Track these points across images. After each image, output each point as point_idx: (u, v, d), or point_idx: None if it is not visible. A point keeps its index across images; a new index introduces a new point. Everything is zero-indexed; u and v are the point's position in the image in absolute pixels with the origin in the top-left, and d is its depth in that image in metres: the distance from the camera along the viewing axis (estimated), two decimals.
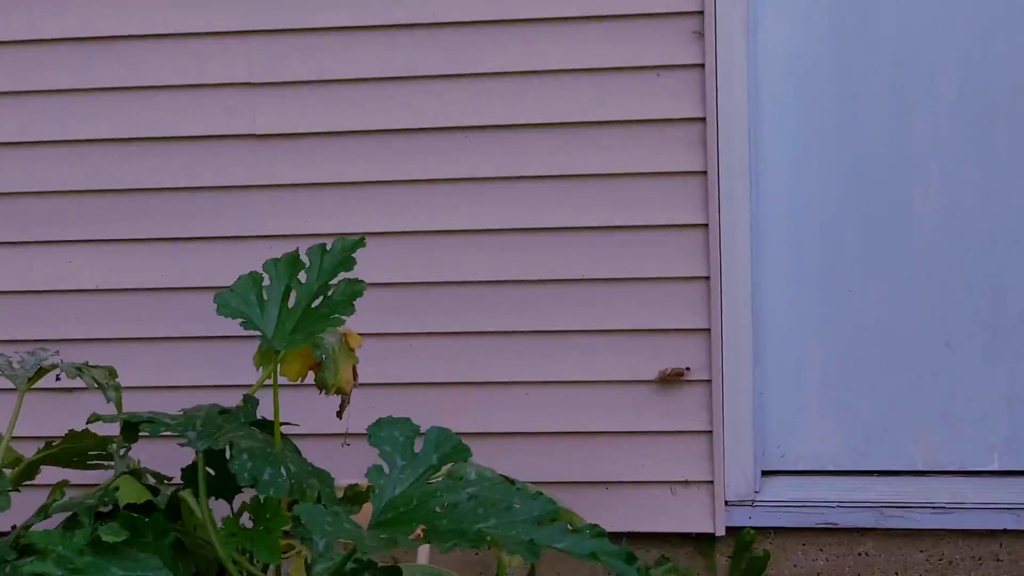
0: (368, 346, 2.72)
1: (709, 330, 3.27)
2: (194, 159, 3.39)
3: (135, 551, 2.19)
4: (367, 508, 2.37)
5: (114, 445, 2.77)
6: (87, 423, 2.67)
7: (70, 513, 2.57)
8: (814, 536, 3.33)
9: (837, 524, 3.30)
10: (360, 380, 2.73)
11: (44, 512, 2.58)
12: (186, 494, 2.42)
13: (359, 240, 2.52)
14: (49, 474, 2.83)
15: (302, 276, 2.51)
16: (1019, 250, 3.36)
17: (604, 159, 3.28)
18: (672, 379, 3.28)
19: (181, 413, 2.54)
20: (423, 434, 2.42)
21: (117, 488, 2.54)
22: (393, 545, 2.13)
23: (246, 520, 2.43)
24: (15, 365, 2.72)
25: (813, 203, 3.41)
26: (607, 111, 3.26)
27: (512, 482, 2.44)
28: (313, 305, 2.47)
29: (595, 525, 2.15)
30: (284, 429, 2.54)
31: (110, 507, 2.56)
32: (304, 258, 2.52)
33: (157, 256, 3.41)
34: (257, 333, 2.47)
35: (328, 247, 2.52)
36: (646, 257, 3.29)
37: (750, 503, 3.33)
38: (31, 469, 2.79)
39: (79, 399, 3.29)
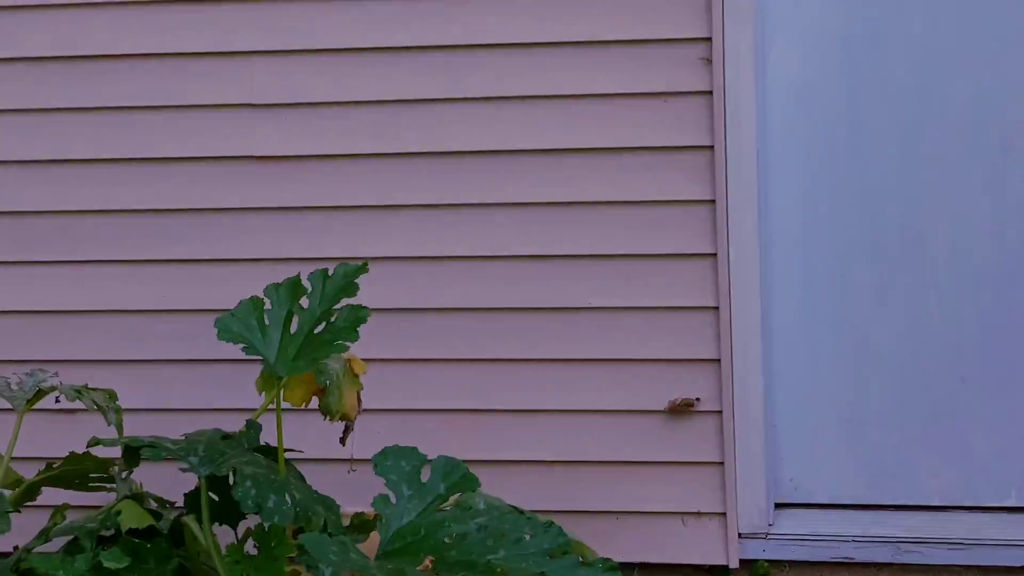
0: (373, 371, 2.68)
1: (719, 360, 3.22)
2: (195, 181, 3.35)
3: None
4: (374, 537, 2.33)
5: (116, 468, 2.74)
6: (88, 447, 2.64)
7: (71, 537, 2.53)
8: (829, 570, 3.27)
9: (853, 559, 3.24)
10: (364, 406, 2.70)
11: (45, 535, 2.54)
12: (189, 520, 2.38)
13: (362, 266, 2.49)
14: (50, 495, 2.79)
15: (304, 301, 2.48)
16: None
17: (611, 187, 3.23)
18: (682, 410, 3.24)
19: (183, 438, 2.50)
20: (431, 461, 2.38)
21: (119, 512, 2.49)
22: None
23: (250, 547, 2.39)
24: (14, 387, 2.69)
25: (823, 232, 3.37)
26: (613, 137, 3.22)
27: (521, 512, 2.40)
28: (316, 331, 2.44)
29: (607, 559, 2.13)
30: (288, 455, 2.51)
31: (112, 531, 2.52)
32: (306, 283, 2.49)
33: (158, 277, 3.37)
34: (259, 358, 2.43)
35: (330, 272, 2.49)
36: (655, 287, 3.24)
37: (763, 536, 3.27)
38: (32, 490, 2.75)
39: (80, 420, 3.24)
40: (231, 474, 2.33)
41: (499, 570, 2.10)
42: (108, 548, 2.25)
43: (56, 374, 2.79)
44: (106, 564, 2.12)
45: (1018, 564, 3.18)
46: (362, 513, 2.48)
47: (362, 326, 2.42)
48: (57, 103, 3.38)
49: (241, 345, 2.42)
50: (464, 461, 2.38)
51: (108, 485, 2.79)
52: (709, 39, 3.14)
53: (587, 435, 3.29)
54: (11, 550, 3.04)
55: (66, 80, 3.37)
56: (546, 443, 3.30)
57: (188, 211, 3.35)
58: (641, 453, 3.27)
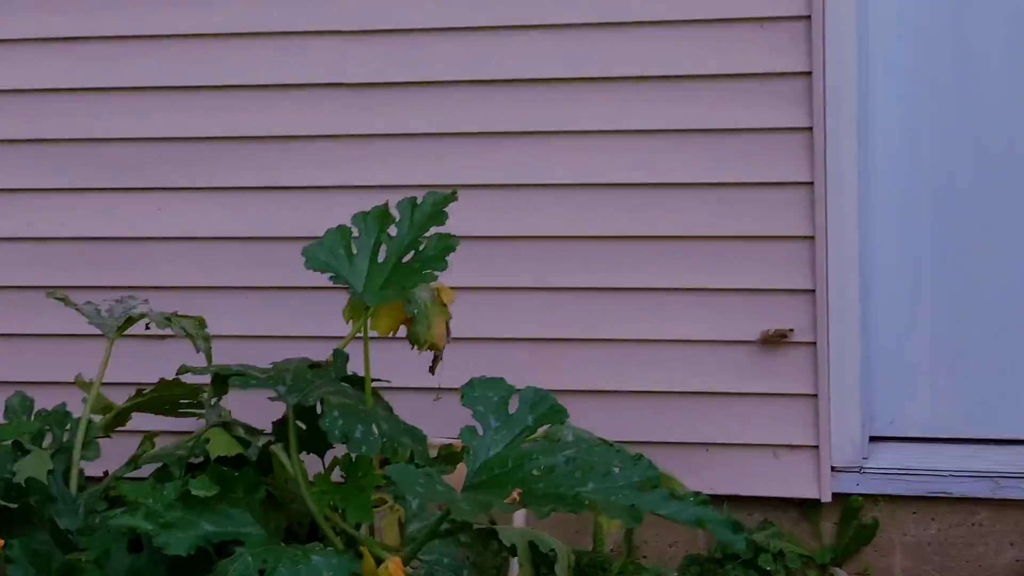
0: (460, 300, 2.64)
1: (814, 291, 3.14)
2: (284, 108, 3.32)
3: (225, 506, 2.16)
4: (461, 468, 2.31)
5: (205, 394, 2.74)
6: (177, 374, 2.64)
7: (160, 464, 2.54)
8: (925, 505, 3.21)
9: (950, 493, 3.17)
10: (452, 335, 2.66)
11: (134, 462, 2.56)
12: (277, 448, 2.37)
13: (451, 194, 2.44)
14: (140, 421, 2.81)
15: (392, 230, 2.44)
16: None
17: (707, 113, 3.16)
18: (775, 340, 3.17)
19: (271, 367, 2.49)
20: (519, 391, 2.34)
21: (208, 440, 2.50)
22: (488, 509, 2.06)
23: (337, 476, 2.38)
24: (104, 313, 2.70)
25: (925, 161, 3.26)
26: (709, 63, 3.14)
27: (610, 445, 2.36)
28: (404, 260, 2.40)
29: (698, 492, 2.07)
30: (374, 384, 2.48)
31: (201, 458, 2.53)
32: (394, 212, 2.46)
33: (246, 205, 3.36)
34: (346, 287, 2.41)
35: (419, 201, 2.45)
36: (749, 215, 3.17)
37: (857, 469, 3.21)
38: (122, 416, 2.78)
39: (169, 346, 3.26)
40: (318, 404, 2.32)
41: (588, 503, 2.06)
42: (197, 475, 2.26)
43: (146, 301, 2.80)
44: (194, 492, 2.11)
45: None
46: (449, 445, 2.45)
47: (451, 254, 2.38)
48: (136, 30, 3.36)
49: (328, 274, 2.39)
50: (551, 391, 2.34)
51: (197, 411, 2.81)
52: None
53: (677, 365, 3.24)
54: (101, 475, 3.09)
55: (148, 6, 3.35)
56: (635, 373, 3.26)
57: (277, 139, 3.33)
58: (732, 384, 3.22)
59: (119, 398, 2.81)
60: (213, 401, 2.72)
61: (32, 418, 2.60)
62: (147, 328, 2.69)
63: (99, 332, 2.69)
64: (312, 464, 2.48)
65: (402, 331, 2.56)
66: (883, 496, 3.23)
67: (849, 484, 3.21)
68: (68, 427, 2.59)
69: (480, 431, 2.24)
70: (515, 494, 2.07)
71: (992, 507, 3.17)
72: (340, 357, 2.53)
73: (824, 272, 3.12)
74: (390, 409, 2.50)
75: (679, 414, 3.24)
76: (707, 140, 3.16)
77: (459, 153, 3.26)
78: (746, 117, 3.13)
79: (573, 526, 3.30)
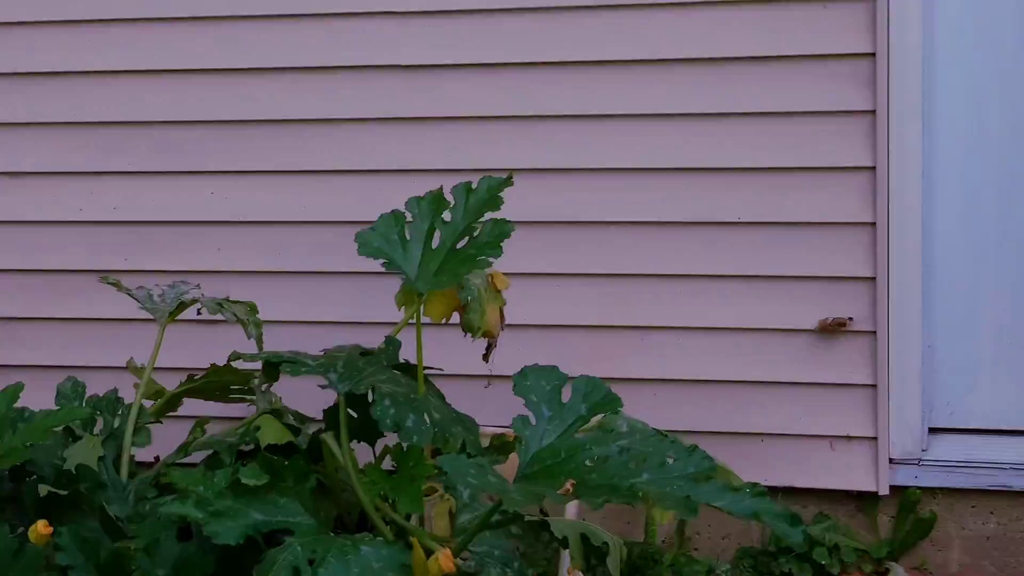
0: (513, 285, 2.60)
1: (874, 278, 3.08)
2: (338, 91, 3.29)
3: (275, 495, 2.13)
4: (513, 459, 2.27)
5: (256, 380, 2.73)
6: (229, 361, 2.63)
7: (211, 451, 2.53)
8: (984, 499, 3.14)
9: (1010, 487, 3.10)
10: (506, 321, 2.63)
11: (185, 449, 2.54)
12: (327, 437, 2.34)
13: (506, 179, 2.40)
14: (190, 405, 2.80)
15: (447, 215, 2.40)
16: None
17: (766, 96, 3.10)
18: (833, 329, 3.10)
19: (322, 354, 2.46)
20: (573, 380, 2.30)
21: (258, 427, 2.48)
22: (541, 500, 2.03)
23: (387, 464, 2.36)
24: (156, 298, 2.69)
25: (991, 144, 3.18)
26: (770, 45, 3.08)
27: (664, 435, 2.31)
28: (458, 246, 2.37)
29: (755, 484, 2.02)
30: (426, 372, 2.45)
31: (251, 446, 2.51)
32: (449, 197, 2.42)
33: (297, 188, 3.33)
34: (399, 274, 2.37)
35: (474, 186, 2.41)
36: (808, 200, 3.11)
37: (916, 462, 3.15)
38: (173, 401, 2.77)
39: (219, 330, 3.25)
40: (370, 392, 2.29)
41: (642, 494, 2.02)
42: (247, 463, 2.24)
43: (198, 286, 2.78)
44: (244, 481, 2.09)
45: None
46: (501, 435, 2.41)
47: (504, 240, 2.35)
48: (190, 11, 3.35)
49: (381, 260, 2.35)
50: (603, 379, 2.30)
51: (248, 397, 2.79)
52: None
53: (733, 354, 3.18)
54: (152, 460, 3.09)
55: None
56: (690, 362, 3.21)
57: (328, 121, 3.30)
58: (789, 373, 3.16)
59: (169, 383, 2.81)
60: (264, 387, 2.71)
61: (84, 403, 2.59)
62: (198, 313, 2.68)
63: (151, 317, 2.68)
64: (362, 451, 2.45)
65: (454, 317, 2.53)
66: (941, 489, 3.16)
67: (907, 477, 3.15)
68: (119, 413, 2.58)
69: (533, 420, 2.20)
70: (568, 485, 2.03)
71: None
72: (392, 344, 2.50)
73: (885, 260, 3.06)
74: (442, 397, 2.47)
75: (734, 404, 3.19)
76: (767, 123, 3.10)
77: (513, 136, 3.22)
78: (808, 100, 3.08)
79: (624, 517, 3.26)
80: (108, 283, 2.69)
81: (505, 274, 2.58)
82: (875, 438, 3.12)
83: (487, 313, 2.53)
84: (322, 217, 3.31)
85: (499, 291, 2.58)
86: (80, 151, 3.41)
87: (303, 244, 3.33)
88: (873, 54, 3.01)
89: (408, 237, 2.38)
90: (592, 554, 2.41)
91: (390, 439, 2.32)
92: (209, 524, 2.01)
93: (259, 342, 2.66)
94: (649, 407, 3.08)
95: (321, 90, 3.30)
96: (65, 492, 2.33)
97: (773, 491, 3.09)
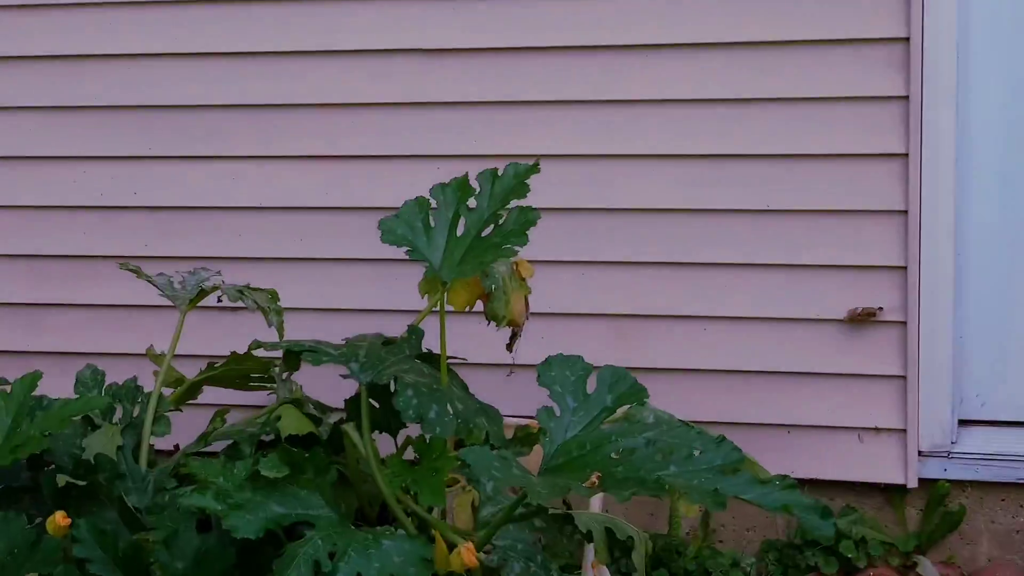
0: (537, 273, 2.56)
1: (905, 268, 3.03)
2: (359, 74, 3.24)
3: (295, 487, 2.10)
4: (537, 451, 2.23)
5: (276, 369, 2.70)
6: (249, 350, 2.60)
7: (231, 441, 2.50)
8: (1015, 492, 3.09)
9: None
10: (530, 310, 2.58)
11: (205, 439, 2.51)
12: (349, 427, 2.31)
13: (533, 166, 2.36)
14: (210, 393, 2.77)
15: (472, 202, 2.36)
16: None
17: (796, 81, 3.05)
18: (863, 319, 3.05)
19: (344, 343, 2.43)
20: (598, 370, 2.26)
21: (279, 417, 2.45)
22: (566, 493, 2.00)
23: (409, 454, 2.32)
24: (176, 285, 2.66)
25: None
26: (802, 30, 3.03)
27: (690, 426, 2.27)
28: (483, 234, 2.32)
29: (785, 476, 1.99)
30: (448, 361, 2.41)
31: (272, 436, 2.48)
32: (474, 183, 2.37)
33: (319, 174, 3.29)
34: (423, 262, 2.33)
35: (500, 172, 2.36)
36: (838, 188, 3.06)
37: (945, 454, 3.10)
38: (193, 390, 2.75)
39: (240, 318, 3.22)
40: (392, 382, 2.25)
41: (669, 487, 1.98)
42: (267, 454, 2.20)
43: (219, 272, 2.75)
44: (264, 473, 2.06)
45: None
46: (526, 426, 2.38)
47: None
48: None
49: (405, 248, 2.31)
50: (627, 369, 2.26)
51: (268, 385, 2.76)
52: None
53: (760, 344, 3.14)
54: (172, 448, 3.06)
55: None
56: (716, 351, 3.16)
57: (352, 106, 3.26)
58: (816, 364, 3.11)
59: (189, 370, 2.78)
60: (284, 376, 2.68)
61: (103, 391, 2.57)
62: (219, 301, 2.64)
63: (170, 303, 2.65)
64: (384, 441, 2.42)
65: (477, 305, 2.50)
66: (971, 482, 3.11)
67: (936, 469, 3.10)
68: (139, 401, 2.55)
69: (557, 411, 2.17)
70: (594, 478, 1.99)
71: None
72: (415, 334, 2.46)
73: (917, 248, 3.00)
74: (465, 388, 2.43)
75: (760, 394, 3.14)
76: (798, 109, 3.05)
77: (539, 122, 3.17)
78: (839, 85, 3.02)
79: (648, 508, 3.22)
80: (128, 270, 2.66)
81: (529, 261, 2.54)
82: (904, 430, 3.07)
83: (512, 302, 2.49)
84: (344, 203, 3.27)
85: (524, 279, 2.54)
86: (101, 135, 3.37)
87: (325, 230, 3.29)
88: (907, 38, 2.95)
89: (432, 224, 2.34)
90: (617, 548, 2.37)
91: (412, 429, 2.29)
92: (228, 517, 1.98)
93: (280, 330, 2.63)
94: (672, 398, 3.01)
95: (344, 74, 3.25)
96: (83, 482, 2.30)
97: (800, 483, 3.02)
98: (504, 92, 3.17)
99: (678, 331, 3.16)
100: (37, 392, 2.39)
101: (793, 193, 3.07)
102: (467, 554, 2.03)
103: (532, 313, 2.58)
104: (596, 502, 2.62)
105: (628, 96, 3.12)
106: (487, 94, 3.18)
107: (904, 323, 3.04)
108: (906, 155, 2.98)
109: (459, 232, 2.34)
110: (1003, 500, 3.10)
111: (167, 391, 2.67)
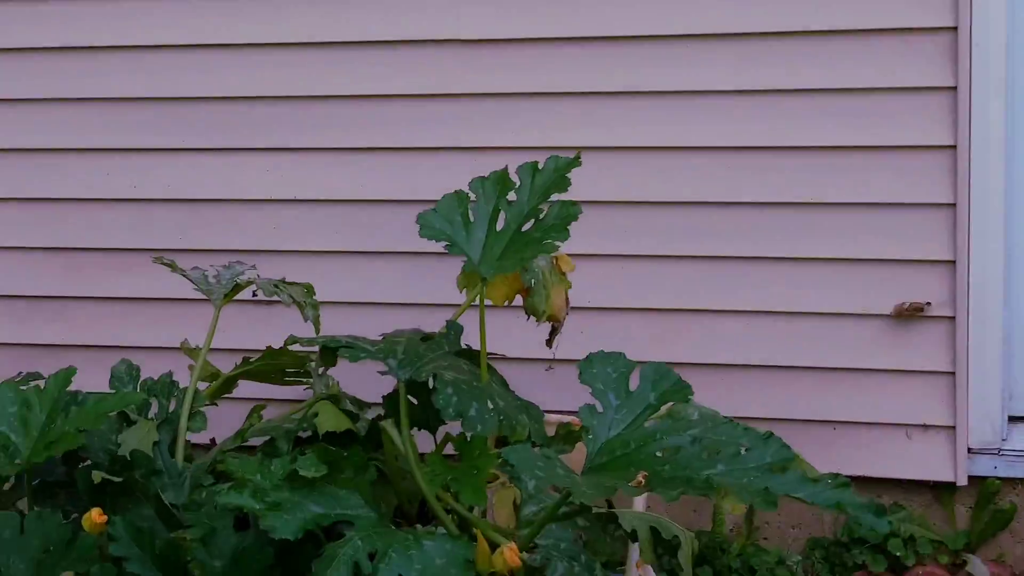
0: (577, 267, 2.51)
1: (954, 262, 2.96)
2: (395, 65, 3.19)
3: (334, 487, 2.06)
4: (580, 448, 2.19)
5: (312, 364, 2.66)
6: (285, 345, 2.56)
7: (267, 437, 2.46)
8: None
9: None
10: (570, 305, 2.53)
11: (241, 435, 2.47)
12: (387, 424, 2.26)
13: (574, 159, 2.31)
14: (245, 387, 2.74)
15: (511, 196, 2.31)
16: None
17: (840, 72, 2.98)
18: (910, 314, 2.99)
19: (381, 339, 2.39)
20: (640, 366, 2.20)
21: (316, 413, 2.41)
22: (613, 493, 1.94)
23: (448, 448, 2.28)
24: (211, 280, 2.63)
25: None
26: (844, 18, 2.96)
27: (736, 423, 2.22)
28: (523, 228, 2.28)
29: (836, 474, 1.93)
30: (488, 358, 2.36)
31: (309, 432, 2.44)
32: (514, 177, 2.32)
33: (355, 166, 3.24)
34: (462, 256, 2.29)
35: (540, 166, 2.31)
36: (884, 181, 2.99)
37: (995, 451, 3.03)
38: (228, 384, 2.72)
39: (275, 312, 3.19)
40: (431, 379, 2.21)
41: (718, 487, 1.92)
42: (305, 450, 2.17)
43: (254, 266, 2.72)
44: (302, 472, 2.02)
45: None
46: (568, 423, 2.33)
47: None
48: None
49: (443, 243, 2.27)
50: (670, 364, 2.20)
51: (304, 380, 2.73)
52: None
53: (805, 339, 3.07)
54: (208, 442, 3.03)
55: None
56: (759, 347, 3.10)
57: (387, 97, 3.21)
58: (863, 359, 3.05)
59: (223, 364, 2.75)
60: (321, 371, 2.64)
61: (138, 386, 2.54)
62: (254, 295, 2.61)
63: (205, 297, 2.62)
64: (422, 439, 2.38)
65: (516, 299, 2.45)
66: (1022, 480, 3.05)
67: (986, 467, 3.03)
68: (174, 395, 2.52)
69: (600, 409, 2.12)
70: (640, 477, 1.94)
71: None
72: (454, 329, 2.42)
73: (966, 242, 2.94)
74: (505, 384, 2.38)
75: (805, 390, 3.08)
76: (843, 100, 2.98)
77: (577, 114, 3.11)
78: (886, 76, 2.95)
79: (691, 505, 3.17)
80: (163, 263, 2.62)
81: (568, 255, 2.49)
82: (953, 427, 3.00)
83: (552, 296, 2.45)
84: (380, 195, 3.22)
85: (564, 274, 2.49)
86: (134, 127, 3.34)
87: (360, 223, 3.24)
88: (955, 28, 2.88)
89: (472, 219, 2.29)
90: (662, 548, 2.31)
91: (451, 426, 2.24)
92: (266, 517, 1.94)
93: (316, 324, 2.59)
94: (714, 394, 2.97)
95: (379, 65, 3.20)
96: (119, 479, 2.27)
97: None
98: (542, 84, 3.12)
99: (720, 326, 3.10)
100: (71, 386, 2.36)
101: (838, 186, 3.01)
102: (510, 554, 1.98)
103: (573, 307, 2.53)
104: (639, 500, 2.57)
105: (672, 87, 3.06)
106: (524, 85, 3.12)
107: (952, 318, 2.97)
108: (954, 147, 2.92)
109: (499, 227, 2.29)
110: None
111: (202, 385, 2.64)
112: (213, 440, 3.07)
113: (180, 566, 2.07)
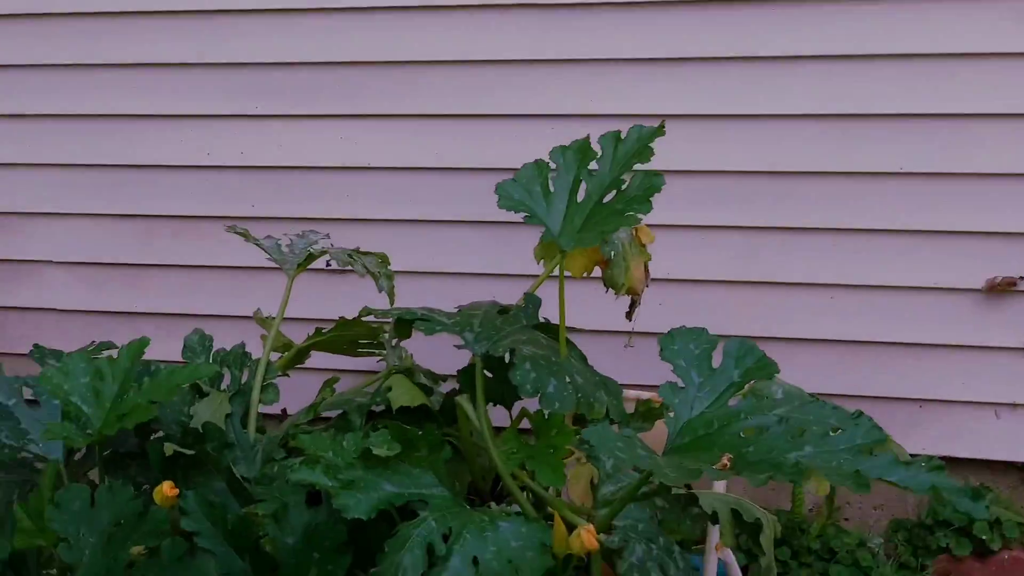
0: (656, 237, 2.43)
1: None
2: (473, 30, 3.11)
3: (408, 466, 2.01)
4: (659, 426, 2.12)
5: (385, 335, 2.61)
6: (359, 316, 2.51)
7: (340, 411, 2.42)
8: None
9: None
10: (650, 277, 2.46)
11: (314, 409, 2.43)
12: (463, 400, 2.21)
13: (658, 128, 2.22)
14: (317, 358, 2.71)
15: (593, 166, 2.23)
16: None
17: (929, 37, 2.86)
18: (1002, 289, 2.88)
19: (457, 311, 2.33)
20: (724, 342, 2.12)
21: (389, 388, 2.36)
22: (698, 477, 1.87)
23: (523, 422, 2.23)
24: (284, 249, 2.58)
25: None
26: None
27: (822, 402, 2.13)
28: (605, 200, 2.20)
29: (931, 457, 1.84)
30: (567, 332, 2.30)
31: (382, 407, 2.40)
32: (595, 146, 2.25)
33: (430, 133, 3.17)
34: (540, 227, 2.22)
35: (623, 135, 2.23)
36: (975, 150, 2.88)
37: None
38: (300, 355, 2.68)
39: (347, 281, 3.15)
40: (508, 354, 2.15)
41: (807, 470, 1.84)
42: (378, 424, 2.12)
43: (327, 235, 2.67)
44: (376, 451, 1.97)
45: None
46: (647, 400, 2.26)
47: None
48: None
49: (523, 213, 2.20)
50: (750, 337, 2.12)
51: (377, 351, 2.68)
52: None
53: (889, 313, 2.98)
54: (279, 412, 3.01)
55: None
56: (843, 320, 3.01)
57: (464, 63, 3.13)
58: (951, 335, 2.95)
59: (295, 333, 2.72)
60: (394, 343, 2.59)
61: (211, 357, 2.51)
62: (328, 265, 2.57)
63: (276, 265, 2.58)
64: (497, 414, 2.33)
65: (594, 270, 2.38)
66: None
67: None
68: (247, 366, 2.49)
69: (682, 387, 2.04)
70: (725, 460, 1.87)
71: None
72: (532, 302, 2.35)
73: None
74: (584, 359, 2.32)
75: (890, 367, 2.99)
76: (934, 66, 2.87)
77: (659, 80, 3.02)
78: (977, 41, 2.84)
79: (769, 483, 3.08)
80: (236, 232, 2.58)
81: (647, 225, 2.41)
82: None
83: (631, 269, 2.37)
84: (455, 163, 3.15)
85: (644, 245, 2.41)
86: (207, 93, 3.29)
87: (435, 191, 3.18)
88: None
89: (551, 189, 2.22)
90: (743, 530, 2.24)
91: (527, 400, 2.19)
92: (339, 496, 1.90)
93: (391, 295, 2.54)
94: (795, 369, 2.90)
95: (458, 30, 3.12)
96: (191, 451, 2.25)
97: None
98: (623, 50, 3.02)
99: (803, 299, 3.01)
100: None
101: (928, 155, 2.90)
102: (587, 536, 1.92)
103: (652, 279, 2.46)
104: (720, 483, 2.50)
105: (754, 53, 2.95)
106: (605, 51, 3.03)
107: None
108: None
109: (579, 198, 2.21)
110: None
111: (274, 356, 2.60)
112: (284, 411, 3.04)
113: (251, 541, 2.04)
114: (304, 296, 3.04)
